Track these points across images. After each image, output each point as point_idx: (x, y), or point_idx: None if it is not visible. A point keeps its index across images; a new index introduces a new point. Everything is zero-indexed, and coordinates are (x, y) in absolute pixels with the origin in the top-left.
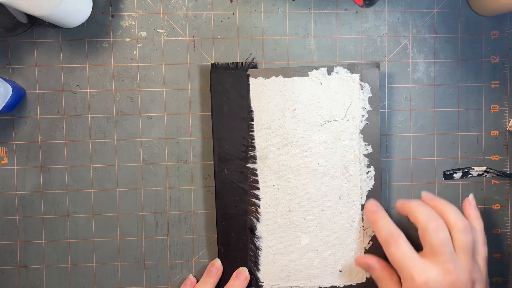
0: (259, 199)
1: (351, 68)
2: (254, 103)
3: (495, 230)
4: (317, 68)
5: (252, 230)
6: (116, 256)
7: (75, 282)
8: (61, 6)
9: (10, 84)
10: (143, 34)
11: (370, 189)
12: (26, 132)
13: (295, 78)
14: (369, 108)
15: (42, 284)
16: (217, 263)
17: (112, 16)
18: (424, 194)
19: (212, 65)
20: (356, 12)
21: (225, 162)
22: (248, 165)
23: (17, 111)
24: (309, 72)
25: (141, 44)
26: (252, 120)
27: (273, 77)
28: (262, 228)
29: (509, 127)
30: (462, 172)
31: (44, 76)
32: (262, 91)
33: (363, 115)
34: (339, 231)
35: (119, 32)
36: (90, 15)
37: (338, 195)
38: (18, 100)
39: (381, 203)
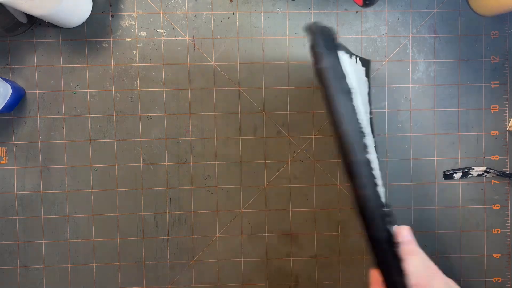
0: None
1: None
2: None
3: (495, 230)
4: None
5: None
6: (116, 256)
7: (75, 282)
8: (61, 6)
9: (10, 84)
10: (143, 34)
11: None
12: (26, 132)
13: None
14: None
15: (42, 284)
16: None
17: (112, 16)
18: None
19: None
20: (356, 12)
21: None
22: (367, 157)
23: (17, 111)
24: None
25: (141, 44)
26: (352, 100)
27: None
28: None
29: (509, 127)
30: (462, 172)
31: (44, 76)
32: (349, 67)
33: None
34: None
35: (119, 32)
36: (90, 15)
37: None
38: (18, 100)
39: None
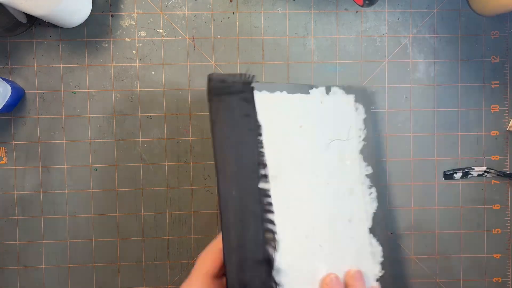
0: (274, 224)
1: (348, 89)
2: (261, 118)
3: (495, 230)
4: (316, 87)
5: (270, 262)
6: (116, 256)
7: (74, 282)
8: (61, 6)
9: (9, 84)
10: (143, 34)
11: (375, 211)
12: (25, 132)
13: (298, 94)
14: (365, 129)
15: (42, 284)
16: None
17: (112, 16)
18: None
19: (210, 77)
20: (356, 12)
21: (233, 184)
22: (260, 186)
23: (17, 111)
24: (310, 90)
25: (140, 44)
26: (261, 135)
27: (278, 92)
28: (280, 259)
29: (509, 127)
30: (462, 172)
31: (43, 76)
32: (267, 107)
33: (360, 136)
34: (352, 258)
35: (118, 32)
36: (90, 15)
37: (348, 218)
38: (18, 100)
39: (385, 227)
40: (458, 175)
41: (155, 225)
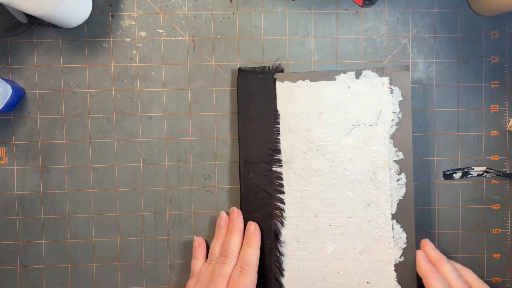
0: (284, 203)
1: (380, 72)
2: (280, 106)
3: (495, 230)
4: (344, 72)
5: (277, 235)
6: (116, 256)
7: (74, 282)
8: (61, 6)
9: (9, 84)
10: (143, 34)
11: (401, 198)
12: (25, 132)
13: (322, 82)
14: (400, 113)
15: (42, 284)
16: (224, 214)
17: (112, 16)
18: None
19: (240, 69)
20: (356, 12)
21: (251, 165)
22: (274, 169)
23: (17, 111)
24: (336, 76)
25: (141, 44)
26: (278, 123)
27: (300, 81)
28: (286, 233)
29: (509, 127)
30: (462, 172)
31: (43, 76)
32: (288, 95)
33: (393, 120)
34: (367, 240)
35: (118, 32)
36: (90, 15)
37: (366, 202)
38: (18, 100)
39: (413, 212)
40: (458, 175)
41: (155, 225)
